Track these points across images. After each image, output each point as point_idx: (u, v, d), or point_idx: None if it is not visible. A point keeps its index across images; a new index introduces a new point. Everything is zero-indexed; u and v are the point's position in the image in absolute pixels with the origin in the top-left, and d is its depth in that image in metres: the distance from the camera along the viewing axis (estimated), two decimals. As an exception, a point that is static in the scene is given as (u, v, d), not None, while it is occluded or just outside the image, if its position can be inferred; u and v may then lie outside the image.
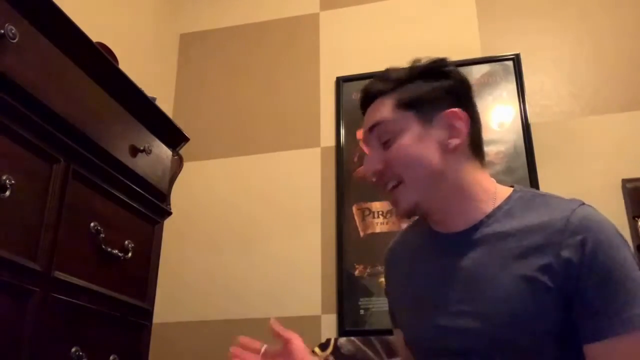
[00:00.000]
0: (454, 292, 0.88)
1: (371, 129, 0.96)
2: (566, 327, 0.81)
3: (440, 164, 0.91)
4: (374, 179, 0.96)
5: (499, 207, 0.92)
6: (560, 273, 0.80)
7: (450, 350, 0.87)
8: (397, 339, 1.10)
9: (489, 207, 0.92)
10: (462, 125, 0.92)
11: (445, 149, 0.91)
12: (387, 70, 0.99)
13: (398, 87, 0.96)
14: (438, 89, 0.94)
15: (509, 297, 0.82)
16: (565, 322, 0.81)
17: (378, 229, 2.13)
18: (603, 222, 0.83)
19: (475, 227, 0.91)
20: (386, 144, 0.94)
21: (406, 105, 0.94)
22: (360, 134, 2.28)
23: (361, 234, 2.14)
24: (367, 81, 1.03)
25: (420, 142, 0.92)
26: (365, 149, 1.01)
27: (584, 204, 0.86)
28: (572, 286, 0.80)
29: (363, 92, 1.00)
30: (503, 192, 0.95)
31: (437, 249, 0.95)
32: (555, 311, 0.81)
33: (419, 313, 0.94)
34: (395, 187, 0.93)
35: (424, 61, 0.97)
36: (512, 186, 0.97)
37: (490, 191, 0.94)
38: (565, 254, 0.81)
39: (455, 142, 0.92)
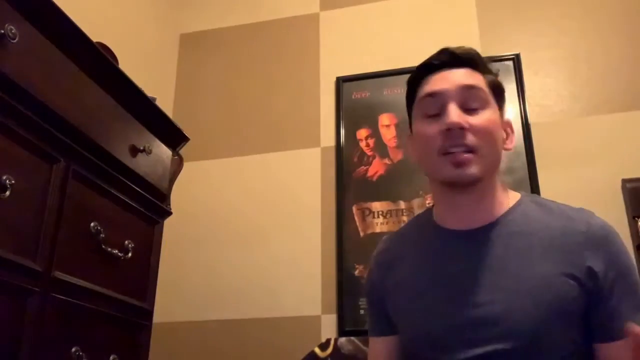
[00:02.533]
0: (475, 287, 0.88)
1: (468, 87, 0.92)
2: (579, 323, 0.85)
3: (500, 157, 0.95)
4: (448, 132, 0.90)
5: (513, 208, 0.95)
6: (584, 272, 0.85)
7: (469, 341, 0.87)
8: (377, 350, 1.06)
9: (503, 208, 0.95)
10: (512, 133, 0.99)
11: (502, 146, 0.96)
12: (474, 49, 0.98)
13: (487, 72, 0.97)
14: (502, 88, 0.99)
15: (533, 289, 0.85)
16: (580, 319, 0.85)
17: (378, 229, 2.12)
18: (616, 232, 0.90)
19: (492, 225, 0.93)
20: (473, 110, 0.91)
21: (493, 90, 0.95)
22: (361, 133, 2.29)
23: (361, 234, 2.14)
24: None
25: (500, 128, 0.95)
26: (426, 104, 0.94)
27: (594, 214, 0.92)
28: (594, 286, 0.84)
29: (459, 50, 0.96)
30: (513, 195, 0.98)
31: (451, 246, 0.95)
32: (574, 305, 0.84)
33: (434, 310, 0.92)
34: (467, 152, 0.89)
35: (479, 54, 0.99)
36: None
37: (504, 192, 0.98)
38: (589, 254, 0.85)
39: (510, 146, 0.98)
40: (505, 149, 0.97)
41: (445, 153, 0.90)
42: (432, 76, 0.96)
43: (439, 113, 0.92)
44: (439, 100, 0.92)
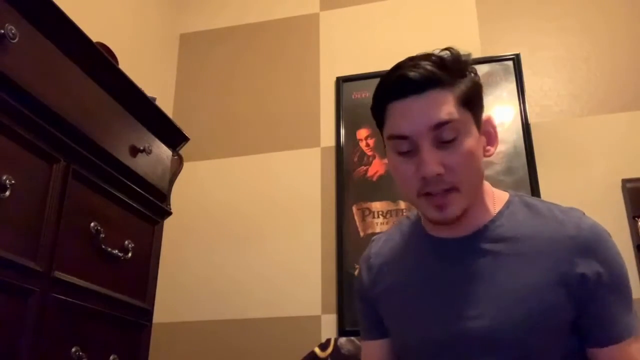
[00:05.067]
0: (464, 299, 0.87)
1: (439, 125, 0.82)
2: (570, 329, 0.84)
3: (483, 170, 0.90)
4: (426, 180, 0.84)
5: (501, 212, 0.92)
6: (574, 279, 0.83)
7: (459, 354, 0.86)
8: (371, 354, 1.04)
9: (491, 212, 0.92)
10: (494, 132, 0.92)
11: (483, 155, 0.90)
12: (436, 57, 0.86)
13: (457, 81, 0.85)
14: (478, 87, 0.90)
15: (521, 299, 0.83)
16: (570, 325, 0.84)
17: (378, 229, 2.13)
18: (606, 232, 0.87)
19: (480, 232, 0.90)
20: (446, 144, 0.83)
21: (466, 104, 0.85)
22: (361, 133, 2.29)
23: (361, 234, 2.14)
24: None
25: (478, 147, 0.87)
26: (398, 145, 0.87)
27: (584, 214, 0.89)
28: (584, 292, 0.83)
29: (416, 75, 0.84)
30: (501, 196, 0.95)
31: (439, 254, 0.93)
32: (564, 313, 0.83)
33: (423, 322, 0.91)
34: (447, 191, 0.84)
35: (449, 52, 0.88)
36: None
37: (490, 195, 0.94)
38: (579, 261, 0.83)
39: (492, 150, 0.91)
40: (487, 156, 0.91)
41: (425, 194, 0.86)
42: (397, 105, 0.86)
43: (413, 152, 0.85)
44: (411, 141, 0.85)
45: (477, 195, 0.90)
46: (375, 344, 1.03)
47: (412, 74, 0.84)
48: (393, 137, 0.87)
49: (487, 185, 0.95)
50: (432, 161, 0.83)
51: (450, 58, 0.87)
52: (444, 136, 0.83)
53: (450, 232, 0.92)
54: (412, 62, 0.87)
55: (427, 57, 0.87)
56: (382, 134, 0.93)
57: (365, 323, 1.06)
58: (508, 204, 0.93)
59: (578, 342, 0.85)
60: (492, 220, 0.91)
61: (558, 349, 0.84)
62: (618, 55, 2.15)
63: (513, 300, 0.83)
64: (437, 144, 0.84)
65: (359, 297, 1.07)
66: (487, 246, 0.89)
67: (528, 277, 0.84)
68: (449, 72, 0.85)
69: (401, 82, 0.85)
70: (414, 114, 0.84)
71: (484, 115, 0.91)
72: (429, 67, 0.84)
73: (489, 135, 0.92)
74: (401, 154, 0.87)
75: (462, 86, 0.86)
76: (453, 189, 0.84)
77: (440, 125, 0.83)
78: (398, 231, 1.06)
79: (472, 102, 0.87)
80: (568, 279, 0.83)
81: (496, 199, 0.94)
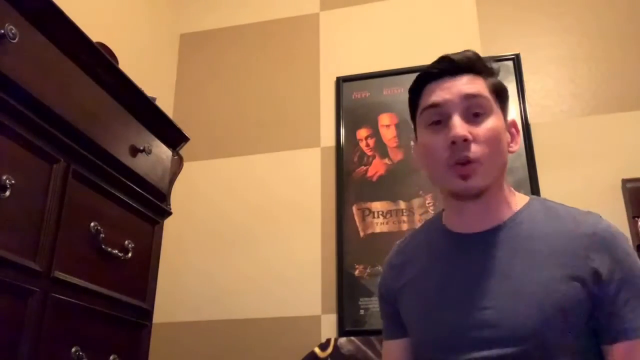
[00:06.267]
0: (481, 291, 0.89)
1: (470, 96, 0.91)
2: (583, 327, 0.85)
3: (506, 160, 0.96)
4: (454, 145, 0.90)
5: (520, 211, 0.95)
6: (590, 274, 0.85)
7: (473, 345, 0.87)
8: (390, 353, 1.06)
9: (511, 211, 0.95)
10: (517, 134, 0.99)
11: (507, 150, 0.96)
12: (474, 53, 0.97)
13: (488, 75, 0.96)
14: (505, 89, 0.99)
15: (536, 293, 0.85)
16: (584, 323, 0.85)
17: (378, 229, 2.13)
18: (623, 235, 0.90)
19: (499, 228, 0.93)
20: (477, 118, 0.91)
21: (496, 94, 0.95)
22: (361, 133, 2.29)
23: (361, 234, 2.14)
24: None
25: (504, 133, 0.95)
26: (429, 114, 0.94)
27: (602, 217, 0.92)
28: (599, 288, 0.84)
29: (456, 56, 0.95)
30: (521, 198, 0.99)
31: (458, 249, 0.96)
32: (579, 309, 0.84)
33: (440, 313, 0.93)
34: (470, 162, 0.89)
35: (483, 57, 0.98)
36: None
37: (511, 195, 0.98)
38: (595, 257, 0.85)
39: (515, 148, 0.98)
40: (510, 152, 0.97)
41: (452, 165, 0.90)
42: (433, 85, 0.95)
43: (443, 124, 0.92)
44: (442, 111, 0.92)
45: (498, 180, 0.94)
46: (396, 344, 1.05)
47: (454, 55, 0.95)
48: (426, 108, 0.95)
49: (509, 187, 0.99)
50: (462, 126, 0.89)
51: (479, 55, 0.97)
52: (473, 109, 0.91)
53: (470, 227, 0.95)
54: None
55: (466, 50, 0.98)
56: (414, 123, 1.02)
57: (386, 322, 1.08)
58: (528, 204, 0.97)
59: (589, 342, 0.86)
60: (512, 218, 0.94)
61: (570, 345, 0.85)
62: (618, 55, 2.15)
63: (528, 294, 0.85)
64: (467, 116, 0.91)
65: (381, 297, 1.10)
66: (505, 242, 0.92)
67: (545, 272, 0.86)
68: (483, 65, 0.96)
69: (441, 62, 0.96)
70: (447, 86, 0.93)
71: (512, 119, 1.00)
72: (467, 54, 0.96)
73: (512, 135, 0.99)
74: (431, 125, 0.94)
75: (493, 80, 0.96)
76: (478, 161, 0.89)
77: (472, 96, 0.91)
78: (420, 230, 1.10)
79: (501, 96, 0.97)
80: (582, 274, 0.85)
81: (517, 200, 0.98)
